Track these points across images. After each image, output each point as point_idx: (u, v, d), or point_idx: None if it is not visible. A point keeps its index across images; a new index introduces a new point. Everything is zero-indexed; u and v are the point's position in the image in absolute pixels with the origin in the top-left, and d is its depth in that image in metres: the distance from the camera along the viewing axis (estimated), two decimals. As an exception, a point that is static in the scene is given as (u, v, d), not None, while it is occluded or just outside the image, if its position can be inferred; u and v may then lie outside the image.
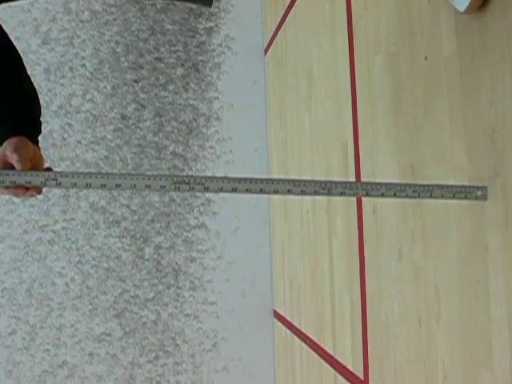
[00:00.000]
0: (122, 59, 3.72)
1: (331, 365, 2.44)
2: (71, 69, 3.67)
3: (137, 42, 3.74)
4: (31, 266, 3.57)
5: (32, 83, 1.47)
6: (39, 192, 1.28)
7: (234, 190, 1.24)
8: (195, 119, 3.76)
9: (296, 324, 3.08)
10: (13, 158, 1.24)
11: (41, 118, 1.45)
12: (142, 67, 3.72)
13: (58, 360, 3.54)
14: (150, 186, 1.24)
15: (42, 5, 3.67)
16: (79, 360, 3.56)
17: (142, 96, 3.70)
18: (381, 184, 1.28)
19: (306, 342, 2.87)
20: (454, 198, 1.27)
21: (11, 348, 3.53)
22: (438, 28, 1.47)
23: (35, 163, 1.29)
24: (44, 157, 1.41)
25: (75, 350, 3.55)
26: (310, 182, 1.26)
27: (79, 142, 3.64)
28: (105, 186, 1.23)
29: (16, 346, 3.53)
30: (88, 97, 3.67)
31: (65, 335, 3.55)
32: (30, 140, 1.31)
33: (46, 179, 1.23)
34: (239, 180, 1.24)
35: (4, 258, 3.57)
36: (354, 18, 2.12)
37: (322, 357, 2.58)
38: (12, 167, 1.25)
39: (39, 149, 1.35)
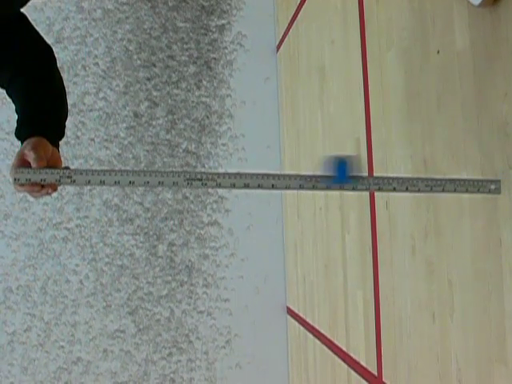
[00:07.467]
0: (135, 57, 3.73)
1: (344, 361, 2.44)
2: (84, 67, 3.69)
3: (149, 40, 3.75)
4: (45, 264, 3.60)
5: (63, 85, 1.49)
6: (54, 190, 1.29)
7: (246, 186, 1.25)
8: (208, 117, 3.76)
9: (309, 320, 3.08)
10: (30, 156, 1.26)
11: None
12: (154, 65, 3.73)
13: (72, 356, 3.56)
14: (162, 183, 1.24)
15: (54, 4, 3.69)
16: (93, 357, 3.58)
17: (155, 94, 3.71)
18: (393, 178, 1.28)
19: (319, 339, 2.86)
20: (467, 191, 1.27)
21: (26, 345, 3.55)
22: (451, 22, 1.47)
23: (52, 164, 1.30)
24: None
25: (89, 347, 3.57)
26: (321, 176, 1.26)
27: (92, 139, 3.66)
28: (118, 182, 1.24)
29: (31, 343, 3.56)
30: (101, 95, 3.69)
31: (79, 332, 3.57)
32: (49, 142, 1.33)
33: (60, 177, 1.24)
34: (251, 176, 1.25)
35: (19, 256, 3.59)
36: (365, 13, 2.12)
37: (335, 353, 2.58)
38: (30, 166, 1.27)
39: (58, 151, 1.36)
